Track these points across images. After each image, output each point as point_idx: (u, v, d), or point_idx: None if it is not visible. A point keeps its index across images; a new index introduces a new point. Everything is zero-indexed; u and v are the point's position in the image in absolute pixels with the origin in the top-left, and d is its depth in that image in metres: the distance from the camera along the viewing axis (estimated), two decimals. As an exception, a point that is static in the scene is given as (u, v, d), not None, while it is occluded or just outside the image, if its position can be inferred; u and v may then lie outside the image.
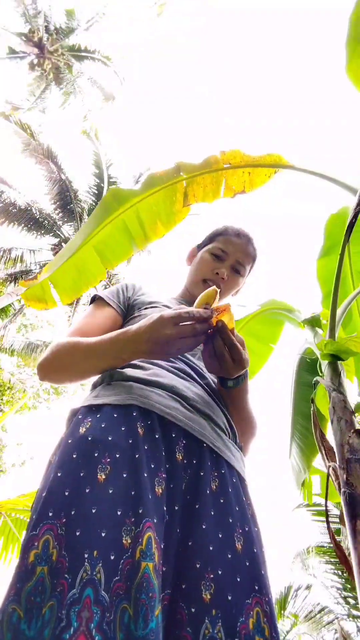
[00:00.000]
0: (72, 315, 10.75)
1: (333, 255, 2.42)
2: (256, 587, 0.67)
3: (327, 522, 1.82)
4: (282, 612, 8.04)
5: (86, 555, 0.57)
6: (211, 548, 0.67)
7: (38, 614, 0.55)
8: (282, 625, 8.17)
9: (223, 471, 0.80)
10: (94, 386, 0.92)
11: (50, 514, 0.64)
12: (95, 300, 1.13)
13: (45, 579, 0.58)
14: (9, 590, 0.59)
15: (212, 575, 0.64)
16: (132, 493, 0.66)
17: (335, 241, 2.38)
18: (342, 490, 1.63)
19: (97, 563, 0.57)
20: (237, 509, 0.76)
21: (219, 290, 0.86)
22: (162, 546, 0.64)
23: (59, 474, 0.68)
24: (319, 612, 7.74)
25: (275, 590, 8.37)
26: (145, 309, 1.08)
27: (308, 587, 8.11)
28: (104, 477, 0.66)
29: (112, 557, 0.58)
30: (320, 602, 7.80)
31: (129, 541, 0.61)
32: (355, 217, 1.76)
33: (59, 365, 0.93)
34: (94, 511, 0.62)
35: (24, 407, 12.04)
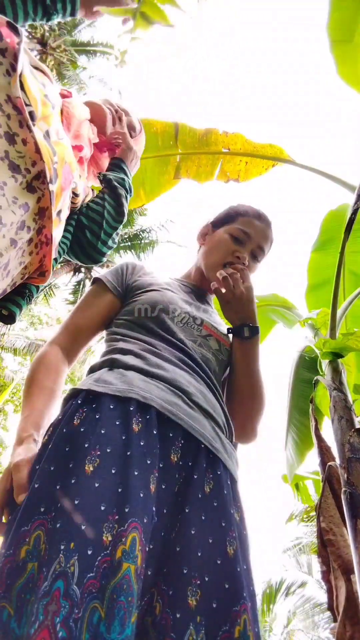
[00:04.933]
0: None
1: (327, 250, 2.43)
2: (244, 594, 0.65)
3: (318, 522, 1.81)
4: (271, 606, 8.04)
5: (62, 547, 0.55)
6: (199, 554, 0.65)
7: (26, 611, 0.53)
8: (272, 621, 8.19)
9: (219, 472, 0.78)
10: (92, 370, 0.89)
11: (42, 509, 0.61)
12: (95, 282, 1.10)
13: (35, 575, 0.56)
14: None
15: (198, 582, 0.63)
16: (119, 490, 0.63)
17: (330, 236, 2.37)
18: (343, 489, 1.62)
19: (73, 556, 0.54)
20: (231, 511, 0.74)
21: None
22: (147, 549, 0.61)
23: (52, 468, 0.66)
24: (313, 607, 7.80)
25: (266, 584, 8.39)
26: (145, 291, 1.04)
27: (302, 585, 8.16)
28: (91, 469, 0.64)
29: (89, 552, 0.56)
30: (316, 598, 7.85)
31: (109, 538, 0.58)
32: (354, 214, 1.75)
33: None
34: (76, 502, 0.59)
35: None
